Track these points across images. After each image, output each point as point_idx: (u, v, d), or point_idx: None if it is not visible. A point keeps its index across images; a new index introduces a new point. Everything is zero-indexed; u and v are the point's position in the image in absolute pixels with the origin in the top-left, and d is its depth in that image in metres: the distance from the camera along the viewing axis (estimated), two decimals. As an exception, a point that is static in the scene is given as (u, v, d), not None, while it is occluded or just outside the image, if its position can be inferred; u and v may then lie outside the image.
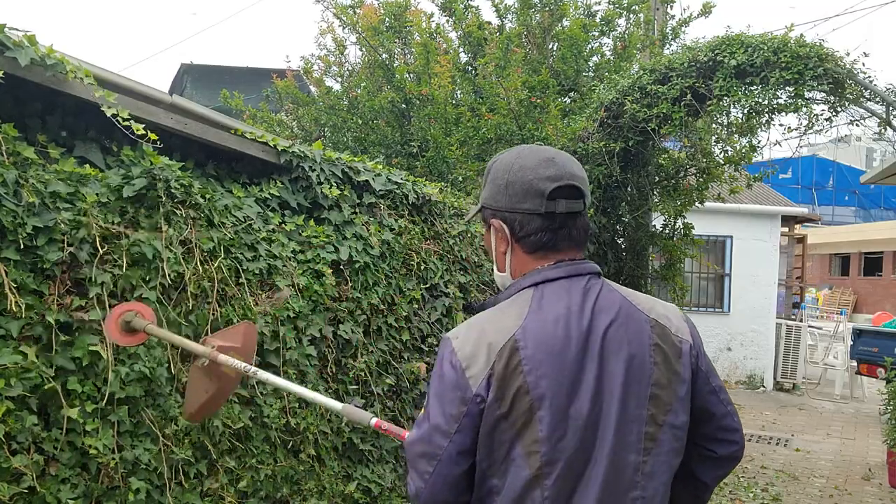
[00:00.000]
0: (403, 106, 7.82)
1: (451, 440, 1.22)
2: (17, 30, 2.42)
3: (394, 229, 4.03)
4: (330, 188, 3.63)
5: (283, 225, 3.39)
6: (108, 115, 2.57)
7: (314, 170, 3.60)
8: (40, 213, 2.29)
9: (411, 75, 7.96)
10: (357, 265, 3.65)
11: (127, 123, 2.58)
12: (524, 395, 1.19)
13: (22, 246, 2.25)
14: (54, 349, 2.26)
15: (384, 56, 8.25)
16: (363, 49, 8.52)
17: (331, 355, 3.47)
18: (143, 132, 2.61)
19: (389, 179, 4.11)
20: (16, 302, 2.17)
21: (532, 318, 1.25)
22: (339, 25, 8.71)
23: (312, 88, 9.10)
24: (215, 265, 2.85)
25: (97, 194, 2.48)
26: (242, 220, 3.12)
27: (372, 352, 3.70)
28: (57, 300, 2.33)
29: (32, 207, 2.27)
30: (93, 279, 2.40)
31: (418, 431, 1.27)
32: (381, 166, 4.18)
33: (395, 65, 8.24)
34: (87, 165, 2.60)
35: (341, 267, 3.59)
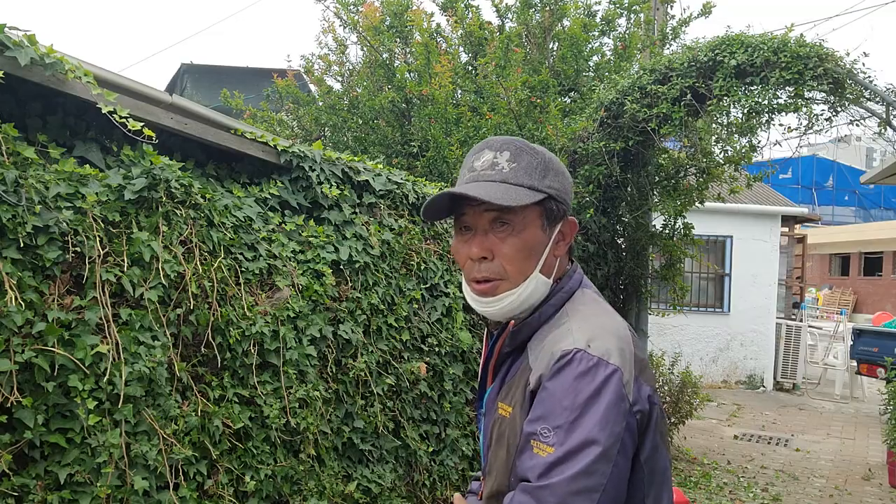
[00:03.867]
0: (404, 106, 7.82)
1: (615, 464, 1.06)
2: (17, 29, 2.42)
3: (394, 229, 4.03)
4: (330, 188, 3.63)
5: (283, 225, 3.39)
6: (105, 111, 2.57)
7: (314, 170, 3.60)
8: (40, 213, 2.29)
9: (412, 75, 7.96)
10: (357, 265, 3.65)
11: (123, 120, 2.58)
12: (647, 396, 1.16)
13: (22, 245, 2.25)
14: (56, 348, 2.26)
15: (385, 56, 8.24)
16: (364, 48, 8.52)
17: (331, 355, 3.47)
18: (140, 129, 2.61)
19: (389, 179, 4.11)
20: (16, 299, 2.17)
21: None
22: (340, 25, 8.71)
23: (313, 88, 9.10)
24: (215, 265, 2.85)
25: (97, 194, 2.48)
26: (242, 220, 3.12)
27: (372, 352, 3.70)
28: (57, 300, 2.33)
29: (32, 207, 2.27)
30: (93, 279, 2.40)
31: (574, 464, 1.04)
32: (381, 166, 4.18)
33: (395, 64, 8.23)
34: (87, 165, 2.60)
35: (341, 267, 3.59)
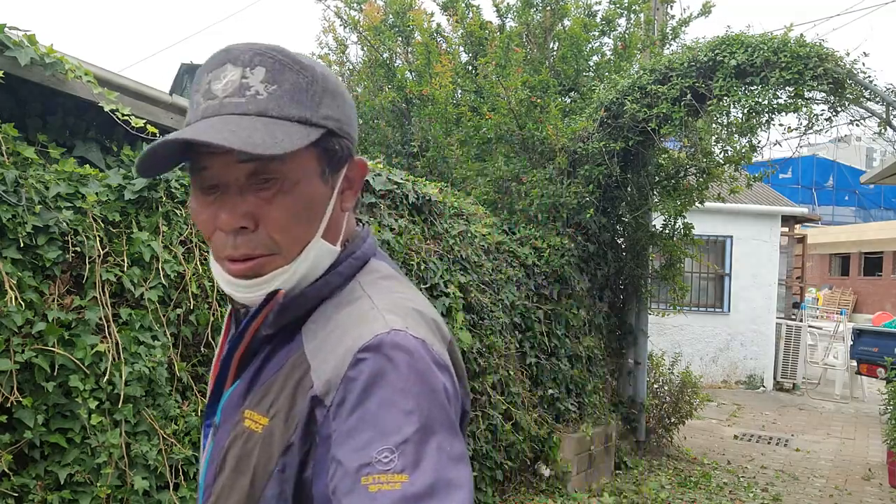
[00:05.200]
0: (404, 106, 7.82)
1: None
2: (17, 29, 2.42)
3: (394, 229, 4.03)
4: (330, 188, 3.63)
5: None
6: (107, 109, 2.57)
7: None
8: (40, 213, 2.29)
9: (412, 74, 7.96)
10: (357, 265, 3.65)
11: (127, 118, 2.59)
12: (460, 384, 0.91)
13: (21, 245, 2.25)
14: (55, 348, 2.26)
15: (385, 55, 8.24)
16: (364, 48, 8.52)
17: (331, 355, 3.46)
18: (144, 126, 2.61)
19: (389, 179, 4.11)
20: (16, 299, 2.17)
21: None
22: (341, 25, 8.71)
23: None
24: (215, 265, 2.84)
25: (97, 194, 2.48)
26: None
27: (372, 352, 3.69)
28: (57, 300, 2.33)
29: (32, 206, 2.27)
30: (93, 279, 2.40)
31: (451, 491, 0.70)
32: (381, 166, 4.17)
33: (396, 64, 8.24)
34: (87, 165, 2.60)
35: (341, 267, 3.58)
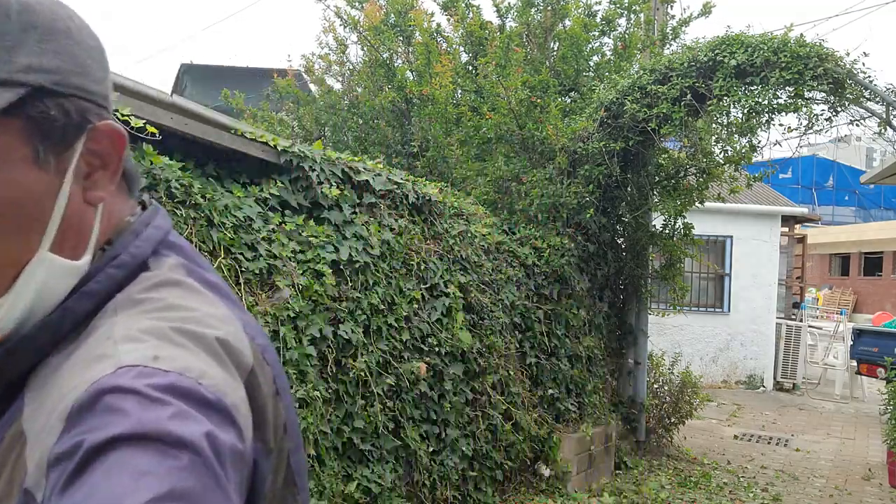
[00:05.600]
0: (404, 105, 7.82)
1: None
2: None
3: (394, 229, 4.03)
4: (330, 188, 3.63)
5: (283, 225, 3.39)
6: None
7: (314, 170, 3.60)
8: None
9: (412, 74, 7.97)
10: (357, 265, 3.66)
11: (126, 118, 2.59)
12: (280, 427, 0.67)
13: None
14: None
15: (385, 55, 8.25)
16: (364, 48, 8.53)
17: (331, 355, 3.47)
18: (143, 126, 2.62)
19: (389, 179, 4.12)
20: None
21: (226, 301, 0.68)
22: (341, 24, 8.72)
23: (313, 88, 9.11)
24: (215, 265, 2.85)
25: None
26: (242, 219, 3.12)
27: (372, 352, 3.70)
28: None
29: None
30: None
31: None
32: (381, 166, 4.18)
33: (396, 64, 8.24)
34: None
35: (341, 267, 3.59)
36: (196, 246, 2.80)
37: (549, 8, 7.99)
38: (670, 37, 8.33)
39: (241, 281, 3.01)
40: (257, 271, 3.10)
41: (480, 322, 4.70)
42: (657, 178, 6.65)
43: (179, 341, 0.56)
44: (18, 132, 0.58)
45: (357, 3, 8.53)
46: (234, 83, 9.02)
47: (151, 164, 2.65)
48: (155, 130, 2.69)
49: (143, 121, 2.69)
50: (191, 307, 0.61)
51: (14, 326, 0.60)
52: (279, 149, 3.49)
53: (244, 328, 0.65)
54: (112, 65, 0.70)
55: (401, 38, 8.30)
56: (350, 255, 3.61)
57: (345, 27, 8.71)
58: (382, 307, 3.82)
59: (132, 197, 0.71)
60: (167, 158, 2.73)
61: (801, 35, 5.22)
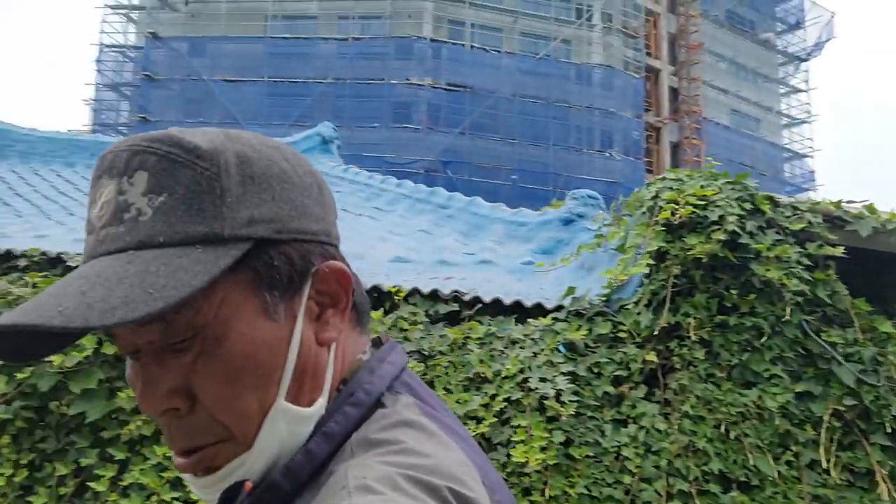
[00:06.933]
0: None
1: None
2: (853, 202, 2.33)
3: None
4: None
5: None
6: None
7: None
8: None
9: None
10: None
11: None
12: None
13: (889, 430, 2.09)
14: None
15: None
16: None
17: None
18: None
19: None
20: (889, 492, 1.98)
21: (462, 444, 0.64)
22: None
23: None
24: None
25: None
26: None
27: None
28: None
29: (895, 386, 2.10)
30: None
31: None
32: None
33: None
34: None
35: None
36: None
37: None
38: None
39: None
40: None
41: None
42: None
43: (412, 492, 0.52)
44: (247, 286, 0.59)
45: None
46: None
47: None
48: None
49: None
50: (425, 452, 0.57)
51: (259, 477, 0.61)
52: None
53: (483, 478, 0.60)
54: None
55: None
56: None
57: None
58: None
59: (364, 332, 0.71)
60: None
61: None
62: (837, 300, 2.28)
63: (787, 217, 2.45)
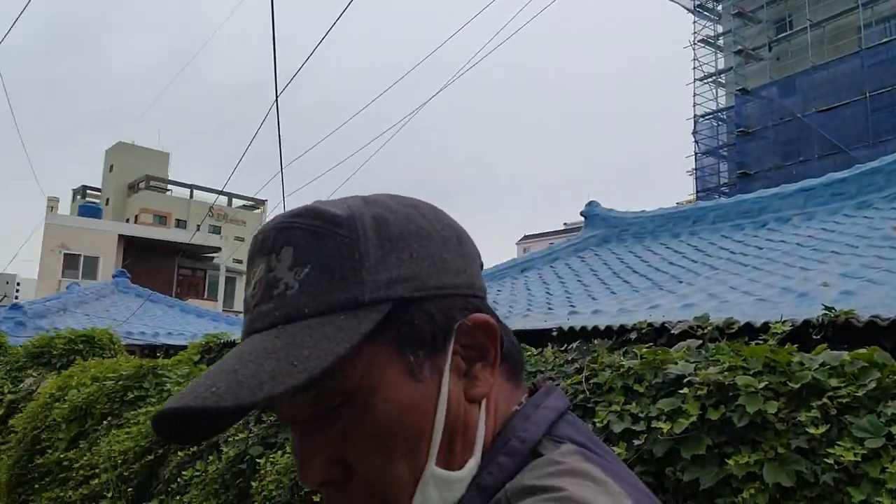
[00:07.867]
0: None
1: None
2: None
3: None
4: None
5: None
6: None
7: None
8: None
9: None
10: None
11: None
12: None
13: None
14: None
15: None
16: None
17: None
18: None
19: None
20: None
21: (636, 494, 0.56)
22: None
23: None
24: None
25: None
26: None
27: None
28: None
29: None
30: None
31: None
32: None
33: None
34: None
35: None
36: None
37: None
38: None
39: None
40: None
41: None
42: None
43: None
44: (390, 347, 0.58)
45: None
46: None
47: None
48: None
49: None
50: (589, 501, 0.52)
51: None
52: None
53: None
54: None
55: None
56: None
57: None
58: None
59: (519, 385, 0.67)
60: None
61: None
62: None
63: None
